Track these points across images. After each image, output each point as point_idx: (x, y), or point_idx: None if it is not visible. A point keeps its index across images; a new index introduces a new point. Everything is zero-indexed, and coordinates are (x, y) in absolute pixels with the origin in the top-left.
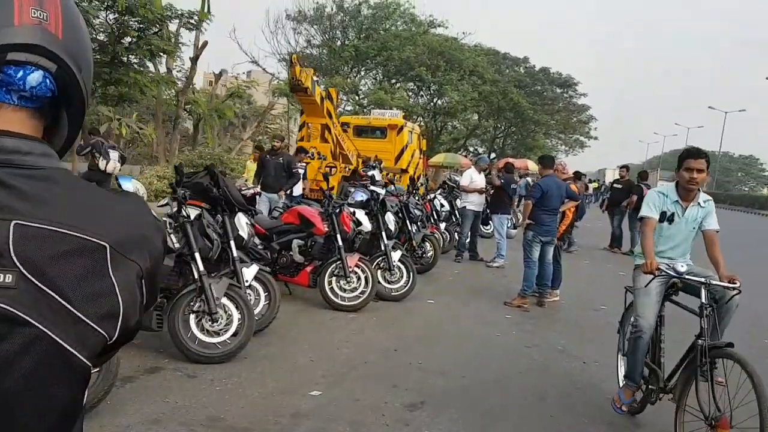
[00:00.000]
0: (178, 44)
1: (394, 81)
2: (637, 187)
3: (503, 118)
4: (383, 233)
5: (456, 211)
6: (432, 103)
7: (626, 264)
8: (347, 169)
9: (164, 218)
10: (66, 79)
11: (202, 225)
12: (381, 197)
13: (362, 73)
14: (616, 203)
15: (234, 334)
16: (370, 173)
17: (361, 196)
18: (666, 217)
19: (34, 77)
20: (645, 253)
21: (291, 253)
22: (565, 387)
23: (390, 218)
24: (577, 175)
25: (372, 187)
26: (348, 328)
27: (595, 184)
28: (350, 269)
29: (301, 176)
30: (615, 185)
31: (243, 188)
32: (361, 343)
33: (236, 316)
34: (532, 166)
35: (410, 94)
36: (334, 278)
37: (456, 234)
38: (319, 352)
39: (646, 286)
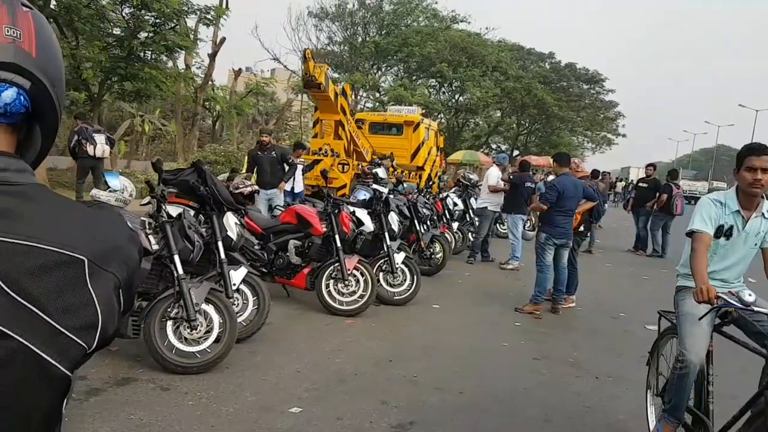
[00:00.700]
0: (195, 40)
1: (414, 78)
2: (666, 186)
3: (527, 114)
4: (386, 234)
5: (470, 211)
6: (454, 100)
7: (650, 267)
8: (360, 166)
9: (143, 218)
10: (39, 96)
11: (183, 225)
12: (384, 196)
13: (383, 69)
14: (642, 203)
15: (216, 342)
16: (374, 171)
17: (363, 194)
18: (723, 232)
19: (9, 94)
20: (696, 276)
21: (288, 254)
22: (574, 406)
23: (393, 218)
24: (595, 174)
25: (375, 186)
26: (343, 334)
27: (623, 183)
28: (349, 272)
29: (301, 173)
30: (640, 184)
31: (241, 185)
32: (354, 353)
33: (217, 322)
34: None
35: (431, 90)
36: (331, 281)
37: (470, 234)
38: (308, 361)
39: (700, 319)
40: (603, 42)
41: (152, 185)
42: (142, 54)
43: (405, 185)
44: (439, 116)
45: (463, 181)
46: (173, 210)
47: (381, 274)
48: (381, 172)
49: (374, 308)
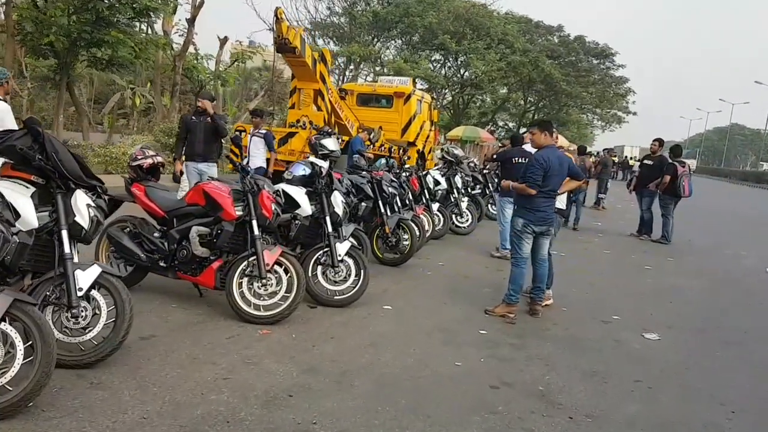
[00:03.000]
0: (174, 5)
1: (417, 50)
2: (670, 165)
3: (534, 90)
4: (327, 218)
5: (455, 190)
6: (459, 75)
7: (655, 255)
8: (341, 140)
9: None
10: None
11: None
12: (324, 172)
13: (382, 41)
14: (646, 182)
15: (17, 377)
16: (321, 142)
17: (302, 170)
18: None
19: None
20: None
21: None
22: None
23: (337, 198)
24: (582, 150)
25: (312, 159)
26: (244, 354)
27: (633, 162)
28: (268, 267)
29: (264, 146)
30: (645, 162)
31: (140, 156)
32: (246, 384)
33: (20, 351)
34: (564, 141)
35: (435, 64)
36: (245, 279)
37: (454, 215)
38: (168, 400)
39: None
40: (613, 14)
41: None
42: (113, 19)
43: (383, 161)
44: (443, 92)
45: (447, 157)
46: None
47: (320, 268)
48: (331, 143)
49: (307, 311)
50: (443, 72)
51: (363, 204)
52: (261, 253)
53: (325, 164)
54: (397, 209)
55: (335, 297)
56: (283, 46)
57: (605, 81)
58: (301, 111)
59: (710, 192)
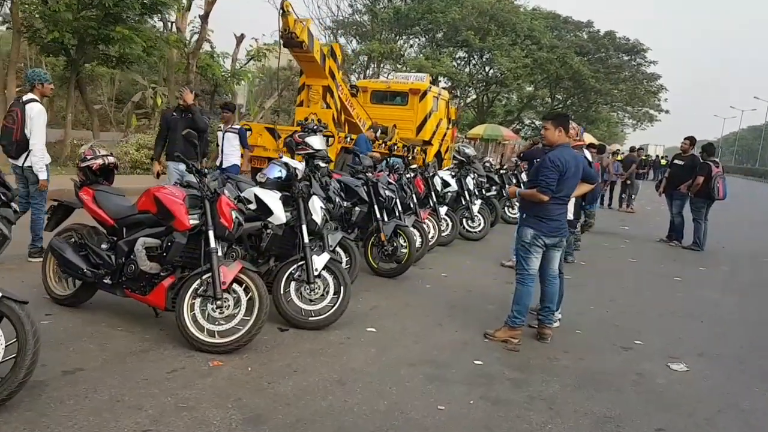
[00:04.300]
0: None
1: (440, 47)
2: (703, 165)
3: (561, 88)
4: (303, 227)
5: (466, 193)
6: (484, 73)
7: (686, 264)
8: (349, 139)
9: None
10: None
11: None
12: (301, 175)
13: (404, 38)
14: (676, 184)
15: None
16: (305, 140)
17: (278, 171)
18: None
19: None
20: None
21: (136, 257)
22: None
23: (315, 205)
24: (601, 149)
25: (286, 160)
26: (180, 394)
27: (664, 161)
28: (224, 286)
29: (238, 143)
30: (676, 161)
31: (89, 156)
32: None
33: None
34: (591, 139)
35: (459, 62)
36: (198, 300)
37: (465, 221)
38: None
39: None
40: (644, 9)
41: None
42: (124, 15)
43: (391, 160)
44: (467, 90)
45: (459, 156)
46: None
47: (293, 284)
48: (316, 141)
49: (276, 336)
50: (467, 70)
51: (357, 209)
52: (217, 269)
53: (300, 166)
54: (397, 214)
55: (310, 318)
56: (289, 40)
57: (636, 78)
58: (310, 109)
59: (745, 193)
